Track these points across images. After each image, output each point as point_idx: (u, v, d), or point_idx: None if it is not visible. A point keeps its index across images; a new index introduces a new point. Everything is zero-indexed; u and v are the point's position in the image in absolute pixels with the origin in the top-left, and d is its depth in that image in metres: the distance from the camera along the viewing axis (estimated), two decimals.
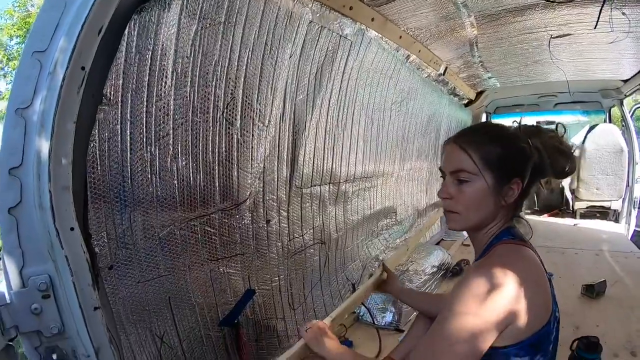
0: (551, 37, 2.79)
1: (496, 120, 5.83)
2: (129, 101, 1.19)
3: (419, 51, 2.63)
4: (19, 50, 12.87)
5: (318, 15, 1.75)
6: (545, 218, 5.48)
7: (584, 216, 5.28)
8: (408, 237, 3.59)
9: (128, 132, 1.22)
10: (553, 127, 1.25)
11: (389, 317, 2.46)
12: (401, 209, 3.48)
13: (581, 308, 2.68)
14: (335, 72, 2.04)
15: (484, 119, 5.69)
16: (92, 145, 1.12)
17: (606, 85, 4.58)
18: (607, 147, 4.89)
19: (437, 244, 4.31)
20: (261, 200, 1.82)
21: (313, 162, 2.12)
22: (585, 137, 5.04)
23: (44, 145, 0.92)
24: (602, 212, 5.22)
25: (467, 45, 2.90)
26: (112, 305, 1.28)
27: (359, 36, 2.05)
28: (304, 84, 1.88)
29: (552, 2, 2.24)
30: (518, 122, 1.22)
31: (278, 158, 1.86)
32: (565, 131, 1.22)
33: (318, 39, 1.82)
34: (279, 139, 1.84)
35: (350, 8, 1.87)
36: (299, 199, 2.09)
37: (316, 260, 2.32)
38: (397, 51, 2.47)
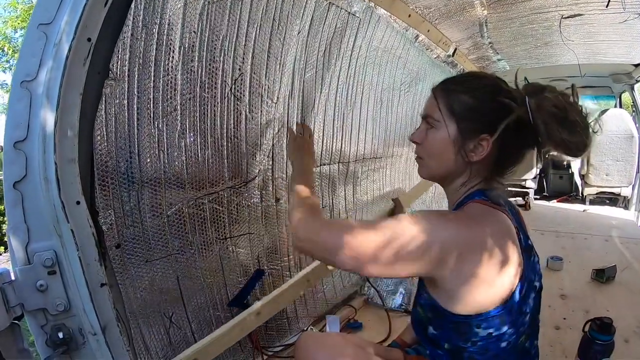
0: (562, 18, 2.72)
1: None
2: (136, 76, 1.17)
3: (428, 31, 2.57)
4: None
5: None
6: (554, 203, 5.44)
7: (593, 202, 5.23)
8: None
9: (135, 107, 1.20)
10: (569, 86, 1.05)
11: (398, 299, 2.44)
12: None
13: (591, 292, 2.65)
14: (344, 50, 2.00)
15: None
16: (98, 120, 1.11)
17: (617, 69, 4.50)
18: (617, 133, 4.82)
19: None
20: (270, 178, 1.80)
21: (322, 141, 2.09)
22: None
23: (50, 118, 0.90)
24: (612, 199, 5.17)
25: (476, 26, 2.85)
26: (121, 285, 1.28)
27: (367, 14, 2.00)
28: (312, 61, 1.84)
29: None
30: (523, 78, 1.11)
31: (287, 135, 1.83)
32: (577, 96, 1.03)
33: (326, 16, 1.78)
34: (288, 116, 1.82)
35: None
36: None
37: None
38: (406, 30, 2.43)
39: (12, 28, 13.32)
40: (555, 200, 5.55)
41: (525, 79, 1.12)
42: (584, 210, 4.91)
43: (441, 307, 1.01)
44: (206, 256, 1.57)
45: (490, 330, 0.98)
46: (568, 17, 2.72)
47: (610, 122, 4.85)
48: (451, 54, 3.12)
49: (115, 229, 1.24)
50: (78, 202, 0.99)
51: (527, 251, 1.04)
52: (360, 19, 1.97)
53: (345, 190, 2.41)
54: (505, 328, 0.98)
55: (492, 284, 0.96)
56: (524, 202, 4.97)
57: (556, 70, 4.53)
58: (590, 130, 1.00)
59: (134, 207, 1.29)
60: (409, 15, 2.27)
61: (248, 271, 1.74)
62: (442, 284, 0.98)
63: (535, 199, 5.50)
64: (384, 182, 2.95)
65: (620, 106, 5.35)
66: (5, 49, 13.55)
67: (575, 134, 0.98)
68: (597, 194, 5.14)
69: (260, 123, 1.64)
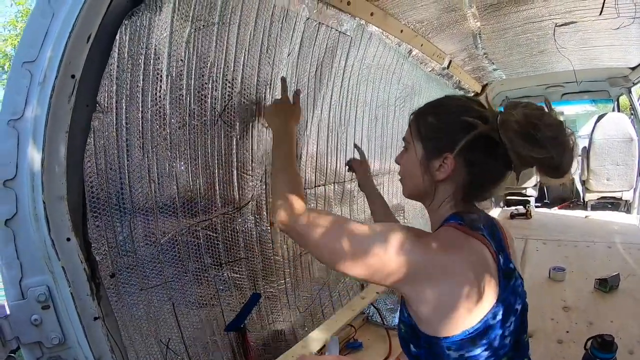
0: (555, 26, 2.72)
1: None
2: (124, 107, 1.17)
3: (422, 45, 2.58)
4: None
5: (315, 11, 1.70)
6: (555, 210, 5.41)
7: (595, 208, 5.19)
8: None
9: (124, 138, 1.20)
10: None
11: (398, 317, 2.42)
12: (409, 206, 3.42)
13: (594, 303, 2.60)
14: (336, 69, 2.00)
15: None
16: (88, 153, 1.10)
17: (613, 73, 4.46)
18: (616, 137, 4.79)
19: None
20: (264, 202, 1.78)
21: (316, 162, 2.08)
22: (594, 127, 4.95)
23: (37, 156, 0.92)
24: (614, 203, 5.13)
25: (470, 38, 2.85)
26: (116, 314, 1.27)
27: (358, 32, 2.01)
28: (303, 83, 1.84)
29: None
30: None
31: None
32: (552, 109, 1.00)
33: (316, 36, 1.78)
34: None
35: (348, 3, 1.82)
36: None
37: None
38: (399, 46, 2.42)
39: (12, 46, 13.42)
40: (556, 207, 5.52)
41: (507, 98, 1.17)
42: (585, 217, 4.87)
43: (416, 326, 1.01)
44: (201, 282, 1.56)
45: (462, 352, 0.96)
46: (562, 25, 2.72)
47: (609, 126, 4.85)
48: (446, 66, 3.12)
49: (109, 259, 1.23)
50: (68, 239, 1.00)
51: (508, 275, 1.01)
52: (352, 38, 1.98)
53: (341, 210, 2.40)
54: (479, 350, 0.96)
55: (458, 309, 0.94)
56: (525, 211, 4.93)
57: (552, 77, 4.53)
58: (571, 146, 0.96)
59: (127, 237, 1.29)
60: (401, 31, 2.27)
61: (244, 295, 1.73)
62: (413, 304, 0.98)
63: (537, 206, 5.46)
64: None
65: (619, 110, 5.32)
66: (6, 67, 13.64)
67: (545, 150, 0.94)
68: (598, 199, 5.10)
69: (252, 148, 1.64)
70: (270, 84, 1.64)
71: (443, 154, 1.06)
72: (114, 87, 1.13)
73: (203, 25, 1.30)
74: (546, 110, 0.99)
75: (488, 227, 1.06)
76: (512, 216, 4.91)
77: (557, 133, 0.95)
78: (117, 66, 1.12)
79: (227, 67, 1.44)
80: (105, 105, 1.12)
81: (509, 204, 5.49)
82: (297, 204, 1.19)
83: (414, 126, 1.15)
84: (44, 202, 0.92)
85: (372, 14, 1.98)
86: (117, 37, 1.08)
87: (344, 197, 2.39)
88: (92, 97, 1.09)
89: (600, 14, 2.41)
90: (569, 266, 3.16)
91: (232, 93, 1.49)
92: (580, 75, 3.95)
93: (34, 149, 0.91)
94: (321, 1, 1.71)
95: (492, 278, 0.97)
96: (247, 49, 1.48)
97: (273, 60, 1.60)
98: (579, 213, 5.09)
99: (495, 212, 5.31)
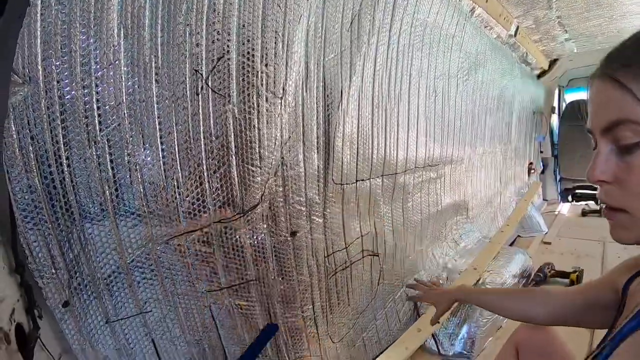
0: None
1: (570, 95, 5.07)
2: (55, 77, 0.78)
3: (487, 1, 2.06)
4: None
5: None
6: None
7: None
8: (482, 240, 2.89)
9: (59, 122, 0.81)
10: None
11: (459, 345, 1.94)
12: (473, 203, 2.86)
13: None
14: (380, 22, 1.49)
15: (556, 94, 4.96)
16: (8, 140, 0.75)
17: None
18: None
19: (512, 243, 3.44)
20: (282, 204, 1.29)
21: (357, 147, 1.56)
22: None
23: None
24: None
25: None
26: (76, 354, 0.95)
27: None
28: (334, 38, 1.33)
29: None
30: None
31: (304, 143, 1.31)
32: None
33: None
34: (304, 115, 1.29)
35: None
36: (340, 199, 1.53)
37: (367, 278, 1.76)
38: (460, 0, 1.91)
39: None
40: None
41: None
42: None
43: None
44: (191, 311, 1.16)
45: None
46: None
47: None
48: (513, 33, 2.60)
49: (58, 282, 0.89)
50: None
51: None
52: None
53: (392, 210, 1.88)
54: None
55: None
56: (598, 207, 4.28)
57: None
58: None
59: (80, 253, 0.91)
60: None
61: (254, 328, 1.31)
62: None
63: None
64: (442, 195, 2.38)
65: None
66: None
67: None
68: None
69: (258, 128, 1.15)
70: (283, 35, 1.14)
71: None
72: (38, 48, 0.74)
73: None
74: None
75: None
76: (584, 213, 4.29)
77: None
78: (41, 14, 0.74)
79: (215, 11, 0.99)
80: (27, 72, 0.74)
81: (578, 198, 4.85)
82: None
83: None
84: None
85: None
86: None
87: (395, 193, 1.86)
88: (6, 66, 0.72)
89: None
90: None
91: (223, 48, 1.02)
92: None
93: None
94: None
95: None
96: None
97: (285, 1, 1.11)
98: None
99: (564, 209, 4.66)
